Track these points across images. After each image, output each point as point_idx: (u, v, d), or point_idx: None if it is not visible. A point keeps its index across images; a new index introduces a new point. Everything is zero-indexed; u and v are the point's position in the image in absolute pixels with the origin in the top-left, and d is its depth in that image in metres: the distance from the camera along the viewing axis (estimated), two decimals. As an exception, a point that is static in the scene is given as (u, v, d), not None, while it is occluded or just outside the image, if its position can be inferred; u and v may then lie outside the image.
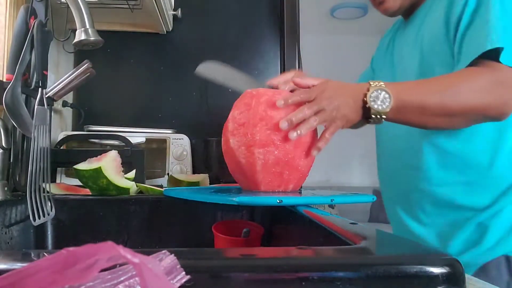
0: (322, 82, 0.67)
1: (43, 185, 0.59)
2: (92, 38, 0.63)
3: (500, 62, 0.65)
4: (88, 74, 0.77)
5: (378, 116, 0.63)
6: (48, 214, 0.59)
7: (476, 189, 0.75)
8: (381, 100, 0.63)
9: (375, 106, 0.63)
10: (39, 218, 0.56)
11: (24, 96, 0.68)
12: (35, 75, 0.66)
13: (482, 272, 0.74)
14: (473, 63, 0.67)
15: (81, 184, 0.74)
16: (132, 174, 0.83)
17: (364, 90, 0.64)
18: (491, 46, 0.64)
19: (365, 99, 0.63)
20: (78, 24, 0.63)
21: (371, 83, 0.64)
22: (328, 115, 0.62)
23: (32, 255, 0.26)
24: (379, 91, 0.63)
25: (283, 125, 0.59)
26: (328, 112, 0.62)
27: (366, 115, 0.64)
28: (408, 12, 0.87)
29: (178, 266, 0.22)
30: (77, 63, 1.26)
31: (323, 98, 0.62)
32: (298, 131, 0.60)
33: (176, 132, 1.18)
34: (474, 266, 0.76)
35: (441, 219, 0.79)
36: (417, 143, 0.80)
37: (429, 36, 0.78)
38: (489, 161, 0.74)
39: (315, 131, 0.65)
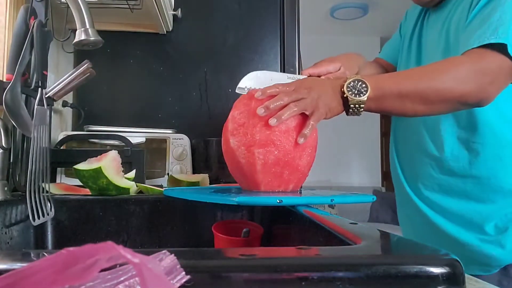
0: (300, 79, 0.70)
1: (43, 185, 0.59)
2: (92, 38, 0.63)
3: (486, 49, 0.67)
4: (88, 74, 0.77)
5: (357, 106, 0.65)
6: (48, 214, 0.59)
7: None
8: (358, 89, 0.64)
9: (352, 96, 0.64)
10: (38, 218, 0.56)
11: (24, 96, 0.68)
12: (35, 75, 0.66)
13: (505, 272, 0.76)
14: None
15: (81, 184, 0.74)
16: (132, 174, 0.83)
17: (341, 81, 0.66)
18: (484, 42, 0.67)
19: (342, 89, 0.65)
20: (78, 24, 0.63)
21: (348, 76, 0.66)
22: (309, 103, 0.62)
23: (32, 255, 0.26)
24: (356, 81, 0.65)
25: (260, 111, 0.60)
26: (308, 100, 0.63)
27: (346, 105, 0.65)
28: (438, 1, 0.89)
29: (178, 266, 0.22)
30: (77, 63, 1.26)
31: (302, 88, 0.64)
32: (279, 118, 0.60)
33: (176, 132, 1.18)
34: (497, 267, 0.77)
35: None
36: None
37: (455, 25, 0.79)
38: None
39: (314, 130, 0.64)
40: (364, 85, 0.64)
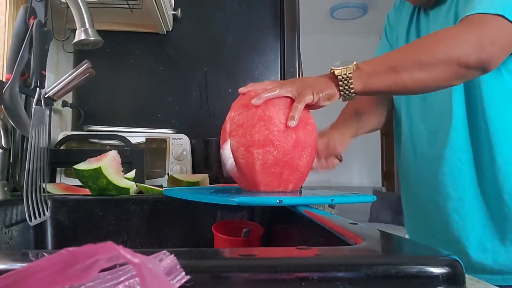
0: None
1: (41, 185, 0.59)
2: (92, 38, 0.63)
3: (482, 14, 0.65)
4: (88, 74, 0.77)
5: (345, 76, 0.63)
6: (44, 215, 0.59)
7: None
8: (345, 63, 0.64)
9: (340, 68, 0.63)
10: (35, 218, 0.56)
11: (24, 96, 0.68)
12: (34, 75, 0.66)
13: None
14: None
15: (80, 184, 0.74)
16: (132, 174, 0.83)
17: (331, 72, 0.66)
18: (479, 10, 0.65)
19: (332, 69, 0.65)
20: (78, 24, 0.63)
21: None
22: (295, 88, 0.63)
23: (32, 255, 0.26)
24: (344, 61, 0.65)
25: (255, 101, 0.62)
26: (296, 86, 0.63)
27: (334, 80, 0.64)
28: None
29: (178, 266, 0.22)
30: (77, 63, 1.26)
31: (295, 81, 0.65)
32: (260, 97, 0.61)
33: (176, 132, 1.18)
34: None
35: None
36: None
37: (461, 15, 0.76)
38: None
39: (314, 130, 0.64)
40: (350, 61, 0.64)
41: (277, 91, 0.62)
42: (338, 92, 0.64)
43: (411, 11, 0.92)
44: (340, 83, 0.63)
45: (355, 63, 0.64)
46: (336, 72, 0.63)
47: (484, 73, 0.66)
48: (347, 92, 0.64)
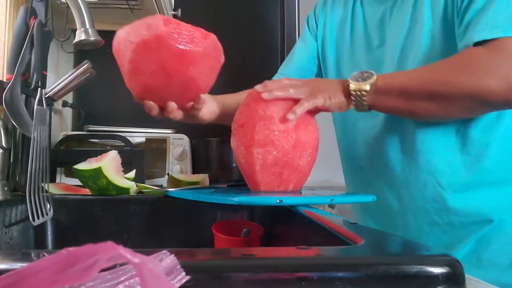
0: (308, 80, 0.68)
1: (43, 185, 0.59)
2: (92, 38, 0.63)
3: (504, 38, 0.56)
4: (88, 74, 0.77)
5: (359, 93, 0.60)
6: (47, 214, 0.59)
7: None
8: (362, 77, 0.61)
9: (355, 82, 0.61)
10: (38, 218, 0.56)
11: (24, 96, 0.68)
12: (35, 75, 0.66)
13: None
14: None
15: (81, 184, 0.74)
16: (132, 174, 0.83)
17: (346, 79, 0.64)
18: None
19: (348, 81, 0.62)
20: (78, 24, 0.63)
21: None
22: (309, 90, 0.62)
23: (32, 255, 0.26)
24: (363, 72, 0.62)
25: (265, 95, 0.61)
26: (309, 88, 0.62)
27: (348, 93, 0.62)
28: None
29: (178, 266, 0.22)
30: (77, 63, 1.26)
31: (310, 82, 0.64)
32: (271, 93, 0.60)
33: (176, 132, 1.18)
34: None
35: None
36: None
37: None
38: None
39: (316, 131, 0.64)
40: (370, 74, 0.61)
41: (291, 91, 0.62)
42: (351, 103, 0.63)
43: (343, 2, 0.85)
44: (353, 98, 0.62)
45: (374, 78, 0.60)
46: (351, 87, 0.61)
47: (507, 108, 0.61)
48: (359, 105, 0.62)
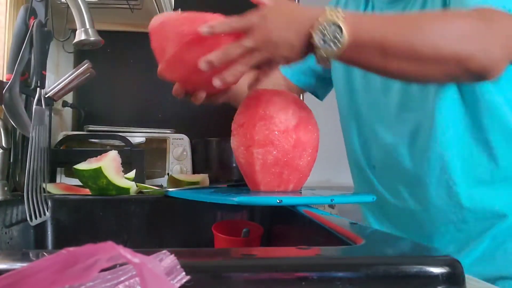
0: (263, 8, 0.57)
1: (42, 185, 0.59)
2: (92, 38, 0.63)
3: (496, 9, 0.54)
4: (88, 74, 0.77)
5: (324, 57, 0.52)
6: (45, 214, 0.59)
7: None
8: (330, 38, 0.51)
9: (321, 46, 0.51)
10: (36, 218, 0.56)
11: (24, 96, 0.68)
12: (34, 75, 0.66)
13: None
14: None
15: (81, 184, 0.74)
16: (132, 174, 0.83)
17: (313, 20, 0.52)
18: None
19: (311, 31, 0.52)
20: (78, 24, 0.63)
21: (327, 9, 0.52)
22: (262, 57, 0.54)
23: (32, 255, 0.26)
24: (330, 25, 0.51)
25: (202, 65, 0.52)
26: (263, 53, 0.54)
27: (310, 51, 0.54)
28: None
29: (178, 266, 0.22)
30: (77, 63, 1.26)
31: (261, 32, 0.54)
32: (222, 80, 0.53)
33: (176, 132, 1.18)
34: None
35: None
36: None
37: None
38: None
39: (316, 130, 0.64)
40: (339, 31, 0.51)
41: (244, 69, 0.54)
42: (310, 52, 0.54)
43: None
44: (317, 59, 0.53)
45: (342, 45, 0.51)
46: (317, 53, 0.52)
47: (482, 80, 0.57)
48: (323, 63, 0.54)
